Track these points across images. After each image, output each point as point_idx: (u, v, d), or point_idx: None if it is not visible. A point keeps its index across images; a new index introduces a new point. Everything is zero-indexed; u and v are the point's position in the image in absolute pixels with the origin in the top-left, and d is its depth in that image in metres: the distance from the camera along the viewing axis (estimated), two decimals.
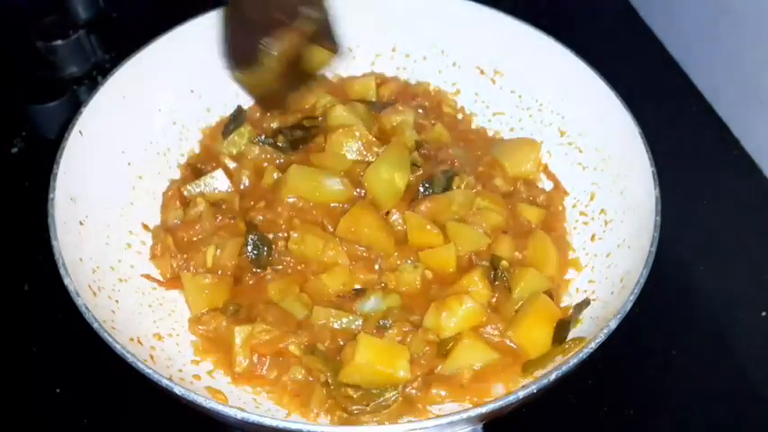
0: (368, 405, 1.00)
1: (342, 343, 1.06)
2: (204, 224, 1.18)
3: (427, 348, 1.07)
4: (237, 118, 1.32)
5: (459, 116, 1.42)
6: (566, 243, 1.23)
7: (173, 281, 1.15)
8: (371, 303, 1.12)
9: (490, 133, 1.40)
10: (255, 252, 1.15)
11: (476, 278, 1.12)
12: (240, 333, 1.06)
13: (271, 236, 1.17)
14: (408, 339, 1.07)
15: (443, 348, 1.07)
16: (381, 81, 1.43)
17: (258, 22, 1.15)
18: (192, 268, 1.15)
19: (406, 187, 1.21)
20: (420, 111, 1.37)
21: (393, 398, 1.01)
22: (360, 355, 1.01)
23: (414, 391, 1.03)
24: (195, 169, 1.28)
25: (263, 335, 1.06)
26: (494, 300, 1.13)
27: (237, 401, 1.02)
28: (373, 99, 1.38)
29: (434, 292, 1.14)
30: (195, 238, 1.18)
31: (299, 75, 1.23)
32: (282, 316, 1.09)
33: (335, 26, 1.23)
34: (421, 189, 1.22)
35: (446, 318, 1.07)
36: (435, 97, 1.43)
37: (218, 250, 1.15)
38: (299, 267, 1.15)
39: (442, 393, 1.03)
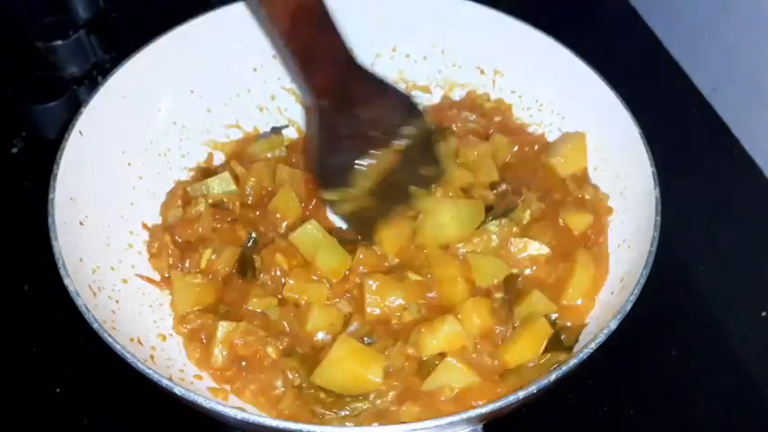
0: (336, 412, 0.99)
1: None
2: (203, 224, 1.18)
3: (406, 364, 1.04)
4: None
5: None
6: (605, 260, 1.16)
7: (168, 281, 1.15)
8: (354, 326, 1.10)
9: None
10: (241, 269, 1.14)
11: (474, 313, 1.07)
12: (224, 327, 1.06)
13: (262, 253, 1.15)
14: (387, 352, 1.04)
15: (424, 368, 1.04)
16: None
17: (352, 140, 1.09)
18: (186, 267, 1.15)
19: None
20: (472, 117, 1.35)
21: (363, 407, 0.99)
22: (335, 351, 1.00)
23: (386, 404, 1.00)
24: (205, 171, 1.28)
25: (246, 335, 1.05)
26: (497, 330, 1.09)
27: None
28: None
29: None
30: (193, 239, 1.18)
31: (393, 198, 1.13)
32: (266, 321, 1.09)
33: (436, 146, 1.16)
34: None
35: (426, 335, 1.05)
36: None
37: (215, 255, 1.15)
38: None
39: (416, 410, 1.00)
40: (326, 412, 0.99)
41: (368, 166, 1.09)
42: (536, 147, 1.32)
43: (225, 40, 1.33)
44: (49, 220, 1.01)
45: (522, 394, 0.89)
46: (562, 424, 1.14)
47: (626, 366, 1.18)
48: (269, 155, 1.30)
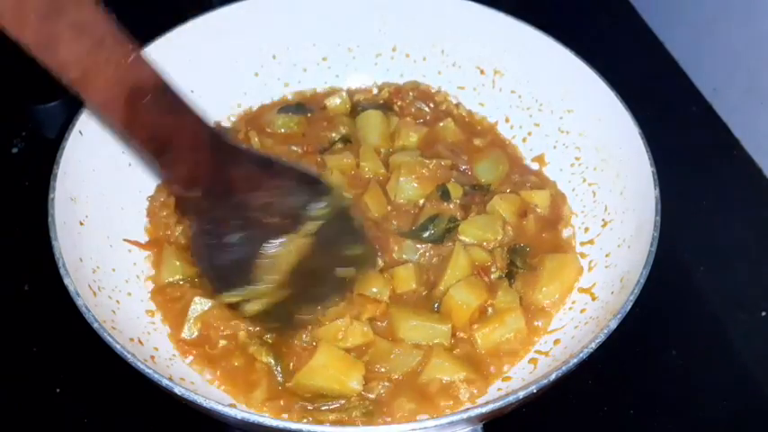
0: (314, 407, 1.00)
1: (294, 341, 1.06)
2: None
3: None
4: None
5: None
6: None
7: (152, 244, 1.16)
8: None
9: None
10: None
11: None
12: (199, 303, 1.07)
13: None
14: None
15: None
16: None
17: (243, 231, 0.94)
18: (177, 235, 1.16)
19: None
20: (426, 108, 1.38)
21: (338, 405, 1.00)
22: (317, 358, 1.01)
23: (373, 396, 1.02)
24: None
25: (221, 312, 1.06)
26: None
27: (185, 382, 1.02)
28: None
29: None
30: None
31: (316, 287, 1.02)
32: None
33: (358, 222, 1.05)
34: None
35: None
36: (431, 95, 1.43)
37: None
38: None
39: (405, 404, 1.02)
40: (306, 404, 1.00)
41: (271, 257, 0.95)
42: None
43: (225, 40, 1.33)
44: (49, 220, 1.01)
45: (521, 394, 0.89)
46: (562, 424, 1.14)
47: (626, 366, 1.18)
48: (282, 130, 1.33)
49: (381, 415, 1.02)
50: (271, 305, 1.00)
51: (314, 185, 0.99)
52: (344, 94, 1.41)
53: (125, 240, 1.15)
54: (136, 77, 0.84)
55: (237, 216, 0.94)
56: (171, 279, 1.13)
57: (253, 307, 1.00)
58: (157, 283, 1.14)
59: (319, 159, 1.28)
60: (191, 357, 1.07)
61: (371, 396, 1.03)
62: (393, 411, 1.02)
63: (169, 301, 1.11)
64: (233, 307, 1.03)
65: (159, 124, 0.87)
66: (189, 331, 1.08)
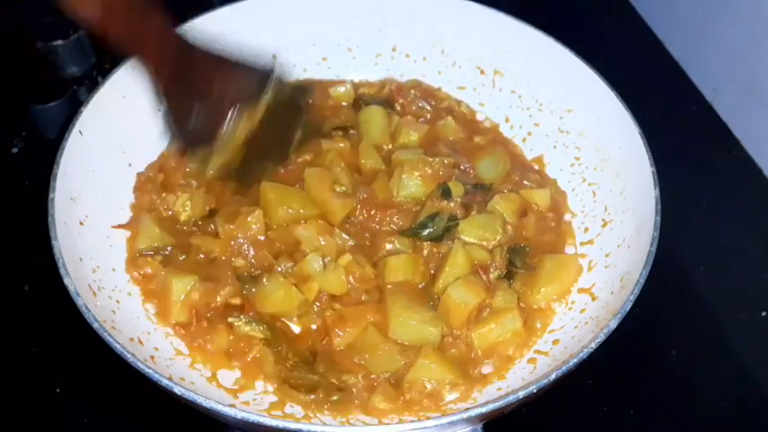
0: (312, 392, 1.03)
1: None
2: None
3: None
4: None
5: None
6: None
7: (134, 221, 1.18)
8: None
9: None
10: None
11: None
12: (177, 285, 1.08)
13: None
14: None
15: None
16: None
17: (205, 113, 1.10)
18: (158, 207, 1.19)
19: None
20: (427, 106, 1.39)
21: (326, 397, 1.03)
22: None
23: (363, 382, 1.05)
24: None
25: (201, 289, 1.08)
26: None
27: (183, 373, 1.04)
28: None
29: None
30: (183, 180, 1.23)
31: (262, 155, 1.18)
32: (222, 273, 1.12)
33: (300, 105, 1.21)
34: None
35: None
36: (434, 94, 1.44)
37: (188, 203, 1.19)
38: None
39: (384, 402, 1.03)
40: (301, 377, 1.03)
41: (229, 127, 1.10)
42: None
43: (225, 40, 1.33)
44: (49, 220, 1.01)
45: (521, 394, 0.89)
46: (562, 424, 1.14)
47: (626, 366, 1.18)
48: None
49: (353, 409, 1.03)
50: (229, 167, 1.13)
51: (260, 75, 1.12)
52: (349, 85, 1.41)
53: (112, 227, 1.16)
54: None
55: (197, 94, 1.10)
56: (145, 246, 1.14)
57: (217, 160, 1.13)
58: (131, 249, 1.15)
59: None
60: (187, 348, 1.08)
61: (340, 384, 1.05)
62: (367, 407, 1.03)
63: (144, 279, 1.12)
64: (200, 162, 1.15)
65: (132, 23, 1.04)
66: (178, 315, 1.08)
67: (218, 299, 1.09)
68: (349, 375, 1.05)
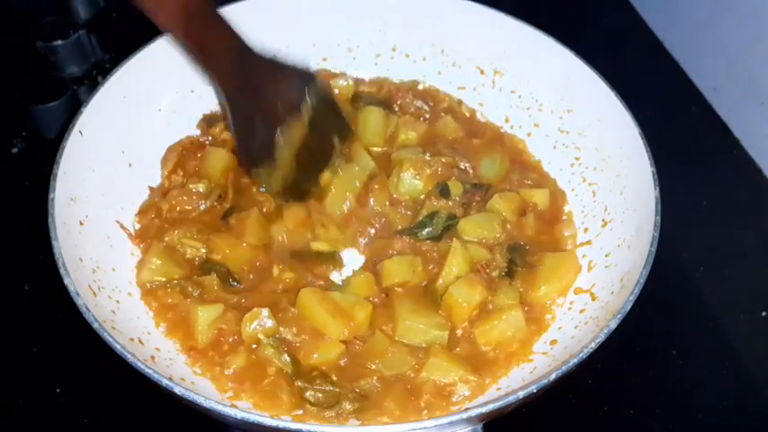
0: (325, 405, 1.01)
1: None
2: (191, 198, 1.21)
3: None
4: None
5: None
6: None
7: (139, 237, 1.17)
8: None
9: None
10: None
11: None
12: (204, 313, 1.06)
13: None
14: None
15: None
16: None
17: (263, 117, 1.14)
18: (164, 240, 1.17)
19: None
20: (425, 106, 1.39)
21: (349, 407, 1.01)
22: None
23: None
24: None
25: (228, 316, 1.07)
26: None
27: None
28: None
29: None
30: (181, 207, 1.21)
31: (315, 162, 1.22)
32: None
33: (336, 106, 1.25)
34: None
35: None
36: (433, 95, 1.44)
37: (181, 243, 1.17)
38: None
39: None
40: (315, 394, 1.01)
41: (285, 136, 1.15)
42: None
43: None
44: (49, 220, 1.01)
45: (521, 394, 0.89)
46: (562, 424, 1.14)
47: (626, 366, 1.18)
48: None
49: (373, 413, 1.02)
50: (287, 180, 1.19)
51: (305, 77, 1.18)
52: (351, 80, 1.41)
53: (117, 221, 1.16)
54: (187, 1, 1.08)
55: (258, 104, 1.15)
56: (153, 278, 1.12)
57: (275, 182, 1.19)
58: (140, 280, 1.13)
59: None
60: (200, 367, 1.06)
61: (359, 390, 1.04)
62: (383, 411, 1.02)
63: (164, 308, 1.11)
64: (262, 182, 1.22)
65: (206, 32, 1.10)
66: (201, 340, 1.06)
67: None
68: (365, 380, 1.05)
